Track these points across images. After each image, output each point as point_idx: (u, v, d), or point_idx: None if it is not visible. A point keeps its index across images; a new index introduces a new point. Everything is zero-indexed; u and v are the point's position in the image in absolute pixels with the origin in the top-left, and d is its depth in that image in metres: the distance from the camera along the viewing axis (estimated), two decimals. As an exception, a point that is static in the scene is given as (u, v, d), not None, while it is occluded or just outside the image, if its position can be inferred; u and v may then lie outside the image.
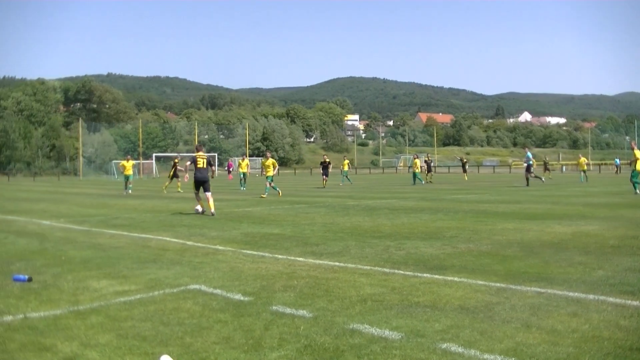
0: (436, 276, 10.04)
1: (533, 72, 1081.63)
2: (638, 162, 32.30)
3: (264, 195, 33.86)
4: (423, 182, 52.62)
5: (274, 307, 8.07)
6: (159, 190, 43.99)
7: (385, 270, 10.69)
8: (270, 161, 35.31)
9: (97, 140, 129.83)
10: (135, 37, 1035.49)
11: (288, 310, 7.90)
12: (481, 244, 13.89)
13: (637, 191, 31.79)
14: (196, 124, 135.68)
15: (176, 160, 47.14)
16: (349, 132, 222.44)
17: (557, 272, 10.20)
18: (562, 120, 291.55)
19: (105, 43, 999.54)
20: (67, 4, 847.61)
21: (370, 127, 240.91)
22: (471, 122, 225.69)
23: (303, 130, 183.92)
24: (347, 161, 58.57)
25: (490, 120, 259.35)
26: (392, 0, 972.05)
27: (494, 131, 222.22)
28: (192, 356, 6.20)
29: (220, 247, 14.03)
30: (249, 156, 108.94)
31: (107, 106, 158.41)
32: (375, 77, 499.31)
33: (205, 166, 23.99)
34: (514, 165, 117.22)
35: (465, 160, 71.36)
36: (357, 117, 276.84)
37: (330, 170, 49.92)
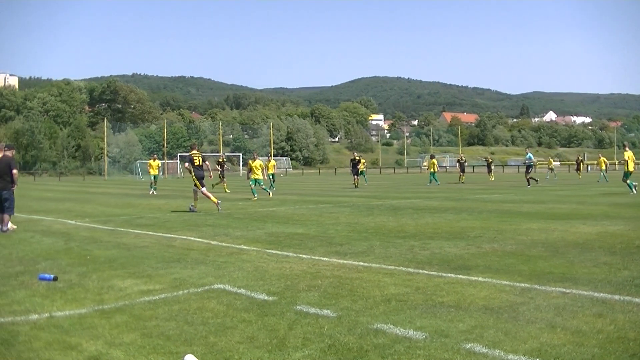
0: (460, 276, 10.02)
1: (558, 72, 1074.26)
2: (629, 163, 33.43)
3: (255, 199, 32.65)
4: (438, 182, 52.02)
5: (298, 307, 8.09)
6: (187, 190, 44.02)
7: (410, 270, 10.68)
8: (258, 162, 34.07)
9: (122, 140, 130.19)
10: (160, 38, 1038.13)
11: (312, 310, 7.90)
12: (505, 244, 13.84)
13: (634, 190, 32.26)
14: (221, 123, 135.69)
15: (222, 160, 46.29)
16: (374, 132, 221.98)
17: (582, 273, 10.15)
18: (588, 120, 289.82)
19: (130, 43, 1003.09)
20: (94, 5, 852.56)
21: (395, 126, 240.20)
22: (496, 121, 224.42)
23: (327, 130, 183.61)
24: (362, 160, 58.20)
25: (515, 120, 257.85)
26: (417, 0, 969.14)
27: (519, 131, 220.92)
28: (216, 355, 6.22)
29: (244, 247, 14.07)
30: (274, 156, 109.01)
31: (132, 106, 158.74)
32: (400, 77, 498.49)
33: (201, 163, 25.61)
34: (539, 164, 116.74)
35: (490, 160, 70.48)
36: (381, 116, 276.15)
37: (360, 168, 48.58)
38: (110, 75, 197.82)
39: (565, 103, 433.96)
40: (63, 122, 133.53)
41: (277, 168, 70.30)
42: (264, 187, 33.76)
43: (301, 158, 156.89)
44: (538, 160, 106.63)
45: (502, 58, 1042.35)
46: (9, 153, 18.72)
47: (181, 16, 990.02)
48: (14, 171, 18.34)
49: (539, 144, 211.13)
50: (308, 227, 18.09)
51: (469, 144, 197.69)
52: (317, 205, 27.52)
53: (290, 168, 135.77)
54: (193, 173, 25.38)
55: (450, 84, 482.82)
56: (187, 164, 25.97)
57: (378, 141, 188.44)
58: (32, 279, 10.36)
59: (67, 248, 14.49)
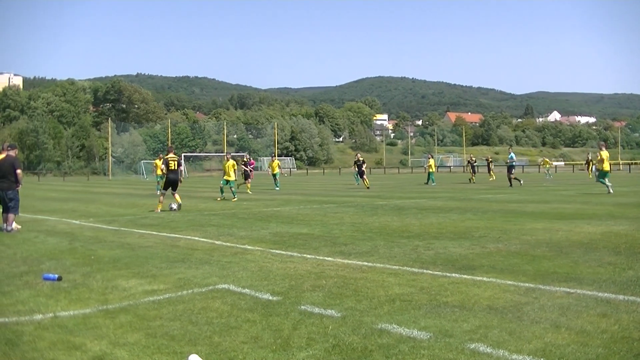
0: (465, 276, 10.01)
1: (562, 71, 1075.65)
2: (605, 162, 33.70)
3: (219, 199, 32.78)
4: (434, 183, 51.66)
5: (303, 307, 8.09)
6: (191, 190, 44.03)
7: (414, 270, 10.67)
8: (230, 163, 33.67)
9: (126, 140, 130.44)
10: (164, 38, 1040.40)
11: (316, 310, 7.91)
12: (510, 243, 13.83)
13: (608, 189, 32.54)
14: (225, 123, 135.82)
15: (246, 159, 45.47)
16: (378, 132, 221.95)
17: (587, 273, 10.14)
18: (592, 120, 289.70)
19: (135, 44, 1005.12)
20: (98, 5, 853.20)
21: (399, 126, 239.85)
22: (500, 121, 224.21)
23: (332, 130, 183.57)
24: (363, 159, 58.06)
25: (519, 120, 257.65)
26: (421, 0, 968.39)
27: (523, 131, 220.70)
28: (220, 355, 6.23)
29: (249, 247, 14.07)
30: (278, 156, 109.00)
31: (137, 106, 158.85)
32: (404, 77, 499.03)
33: (176, 168, 25.73)
34: (543, 164, 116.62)
35: (490, 159, 69.92)
36: (385, 116, 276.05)
37: (364, 169, 47.24)
38: (115, 75, 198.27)
39: (569, 103, 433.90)
40: (67, 122, 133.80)
41: (282, 168, 70.31)
42: (233, 189, 33.24)
43: (305, 158, 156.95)
44: (543, 160, 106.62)
45: (506, 58, 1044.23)
46: (12, 153, 18.72)
47: (186, 16, 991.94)
48: (18, 171, 18.36)
49: (543, 144, 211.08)
50: (312, 227, 18.08)
51: (473, 144, 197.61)
52: (321, 205, 27.51)
53: (294, 168, 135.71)
54: (166, 176, 25.95)
55: (455, 84, 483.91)
56: (163, 167, 26.16)
57: (382, 141, 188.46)
58: (36, 279, 10.38)
59: (72, 248, 14.50)
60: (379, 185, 51.17)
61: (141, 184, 64.98)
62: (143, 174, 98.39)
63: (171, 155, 26.04)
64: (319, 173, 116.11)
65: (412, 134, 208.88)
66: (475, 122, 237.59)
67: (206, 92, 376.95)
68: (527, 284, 9.26)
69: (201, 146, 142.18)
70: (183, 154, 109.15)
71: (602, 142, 39.06)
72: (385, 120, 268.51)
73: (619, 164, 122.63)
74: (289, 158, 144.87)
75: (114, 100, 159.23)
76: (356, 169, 48.43)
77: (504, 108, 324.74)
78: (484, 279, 9.76)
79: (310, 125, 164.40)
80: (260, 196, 36.08)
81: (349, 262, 11.68)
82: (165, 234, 17.08)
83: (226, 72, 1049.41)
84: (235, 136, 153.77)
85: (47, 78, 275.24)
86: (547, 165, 72.89)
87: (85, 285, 9.87)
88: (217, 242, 14.99)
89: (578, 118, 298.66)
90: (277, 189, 43.95)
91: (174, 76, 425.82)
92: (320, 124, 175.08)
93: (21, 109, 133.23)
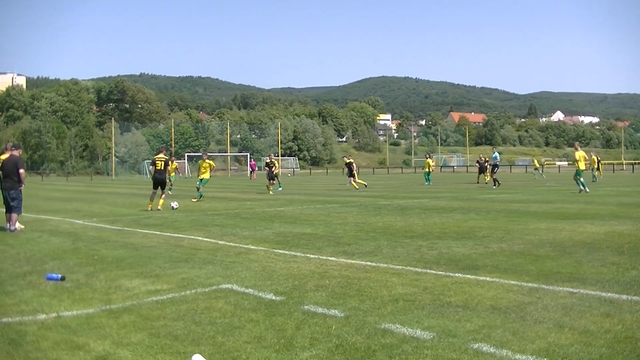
0: (468, 276, 10.02)
1: (566, 71, 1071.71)
2: (579, 162, 34.88)
3: (195, 200, 32.00)
4: (428, 183, 51.23)
5: (306, 307, 8.09)
6: (194, 190, 43.91)
7: (417, 270, 10.68)
8: (206, 163, 33.49)
9: (130, 140, 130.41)
10: (168, 38, 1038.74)
11: (320, 310, 7.91)
12: (513, 243, 13.83)
13: (582, 188, 33.66)
14: (228, 123, 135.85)
15: (270, 160, 43.08)
16: (381, 132, 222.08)
17: (590, 272, 10.14)
18: (595, 120, 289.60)
19: (138, 43, 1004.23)
20: (101, 5, 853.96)
21: (403, 126, 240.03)
22: (503, 121, 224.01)
23: (335, 130, 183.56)
24: (351, 161, 57.81)
25: (523, 120, 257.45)
26: (424, 0, 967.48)
27: (526, 131, 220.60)
28: (223, 355, 6.23)
29: (252, 247, 14.08)
30: (282, 156, 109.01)
31: (140, 106, 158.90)
32: (407, 77, 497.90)
33: (162, 168, 25.73)
34: (547, 164, 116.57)
35: (486, 160, 69.04)
36: (389, 116, 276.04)
37: (354, 170, 45.64)
38: (118, 75, 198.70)
39: (573, 103, 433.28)
40: (71, 121, 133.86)
41: (287, 168, 70.24)
42: (200, 190, 32.88)
43: (309, 158, 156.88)
44: (546, 161, 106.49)
45: (509, 58, 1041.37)
46: (16, 153, 18.77)
47: (189, 16, 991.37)
48: (21, 171, 18.39)
49: (547, 144, 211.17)
50: (316, 227, 18.09)
51: (477, 144, 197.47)
52: (324, 205, 27.52)
53: (297, 168, 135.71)
54: (152, 176, 26.23)
55: (458, 84, 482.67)
56: (151, 167, 26.33)
57: (386, 141, 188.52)
58: (39, 279, 10.39)
59: (75, 248, 14.52)
60: (382, 185, 51.25)
61: (144, 184, 64.93)
62: (146, 174, 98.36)
63: (160, 155, 26.27)
64: (322, 173, 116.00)
65: (415, 134, 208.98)
66: (479, 122, 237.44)
67: (209, 92, 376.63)
68: (530, 284, 9.26)
69: (204, 146, 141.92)
70: (186, 154, 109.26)
71: (577, 143, 39.78)
72: (389, 120, 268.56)
73: (622, 164, 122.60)
74: (292, 158, 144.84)
75: (118, 100, 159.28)
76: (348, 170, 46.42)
77: (508, 108, 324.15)
78: (487, 278, 9.77)
79: (313, 125, 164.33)
80: (264, 196, 36.11)
81: (353, 262, 11.69)
82: (168, 233, 17.10)
83: (229, 72, 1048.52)
84: (238, 136, 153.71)
85: (50, 78, 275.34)
86: (537, 165, 72.26)
87: (89, 285, 9.88)
88: (220, 242, 15.01)
89: (581, 118, 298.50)
90: (280, 189, 43.55)
91: (178, 76, 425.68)
92: (323, 124, 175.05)
93: (24, 108, 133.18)
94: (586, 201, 26.98)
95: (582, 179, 34.19)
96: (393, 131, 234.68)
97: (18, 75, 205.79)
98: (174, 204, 25.99)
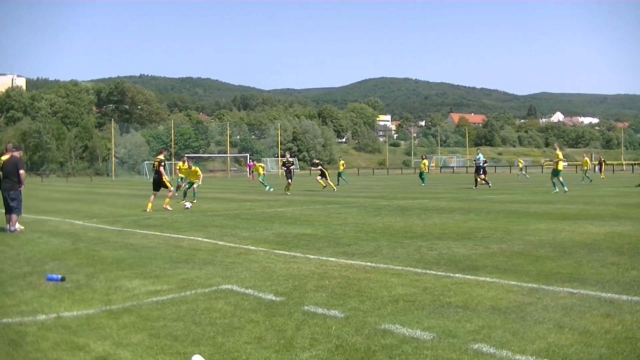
0: (468, 276, 10.02)
1: (566, 72, 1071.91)
2: (559, 162, 35.38)
3: (194, 202, 30.89)
4: (424, 184, 51.05)
5: (306, 307, 8.09)
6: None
7: (417, 270, 10.68)
8: (185, 165, 33.07)
9: (129, 141, 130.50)
10: (168, 39, 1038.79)
11: (320, 311, 7.91)
12: (513, 244, 13.83)
13: (558, 189, 34.49)
14: (228, 124, 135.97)
15: (287, 159, 43.82)
16: (381, 133, 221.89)
17: (590, 273, 10.14)
18: (595, 120, 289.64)
19: (138, 45, 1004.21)
20: (101, 6, 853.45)
21: (402, 127, 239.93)
22: (503, 122, 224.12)
23: (335, 131, 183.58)
24: (342, 161, 57.94)
25: (523, 121, 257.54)
26: (424, 1, 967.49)
27: (526, 131, 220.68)
28: (223, 356, 6.23)
29: (252, 247, 14.08)
30: (281, 157, 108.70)
31: (140, 107, 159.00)
32: (407, 78, 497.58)
33: (158, 169, 26.25)
34: (546, 165, 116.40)
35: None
36: (389, 117, 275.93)
37: (293, 172, 43.37)
38: (118, 76, 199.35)
39: (572, 104, 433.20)
40: (70, 123, 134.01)
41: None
42: (176, 194, 31.59)
43: (308, 159, 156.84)
44: (546, 162, 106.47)
45: (509, 59, 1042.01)
46: (16, 154, 18.80)
47: (189, 17, 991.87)
48: (21, 171, 18.42)
49: (546, 145, 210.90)
50: (316, 228, 18.09)
51: (477, 145, 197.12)
52: (324, 205, 27.52)
53: (297, 169, 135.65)
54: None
55: (458, 85, 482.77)
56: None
57: (385, 142, 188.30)
58: (39, 280, 10.39)
59: (75, 248, 14.52)
60: (382, 186, 51.19)
61: (144, 185, 64.91)
62: (146, 175, 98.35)
63: (159, 156, 26.70)
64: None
65: (415, 135, 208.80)
66: (479, 123, 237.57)
67: (209, 93, 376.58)
68: (530, 285, 9.26)
69: (204, 147, 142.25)
70: (186, 155, 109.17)
71: (556, 143, 40.37)
72: (389, 121, 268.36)
73: (622, 165, 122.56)
74: (292, 159, 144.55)
75: (117, 101, 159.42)
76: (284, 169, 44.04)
77: (507, 109, 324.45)
78: (487, 279, 9.77)
79: (313, 126, 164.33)
80: (264, 197, 36.09)
81: (353, 262, 11.69)
82: (168, 234, 17.10)
83: (229, 73, 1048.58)
84: (238, 137, 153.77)
85: (50, 79, 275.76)
86: (521, 165, 72.30)
87: (89, 285, 9.88)
88: (220, 243, 15.01)
89: (581, 119, 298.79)
90: (271, 189, 42.80)
91: (177, 77, 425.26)
92: (323, 125, 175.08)
93: (24, 110, 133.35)
94: (586, 202, 26.99)
95: (561, 179, 34.85)
96: (393, 132, 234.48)
97: (18, 76, 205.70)
98: (188, 204, 26.39)
